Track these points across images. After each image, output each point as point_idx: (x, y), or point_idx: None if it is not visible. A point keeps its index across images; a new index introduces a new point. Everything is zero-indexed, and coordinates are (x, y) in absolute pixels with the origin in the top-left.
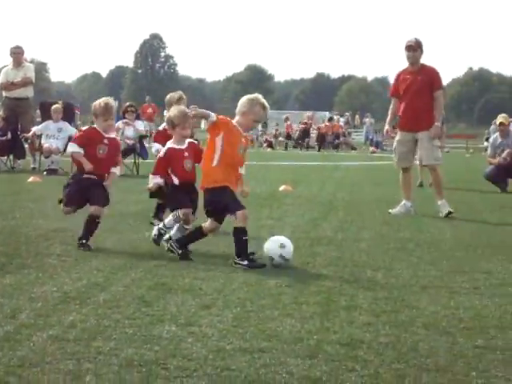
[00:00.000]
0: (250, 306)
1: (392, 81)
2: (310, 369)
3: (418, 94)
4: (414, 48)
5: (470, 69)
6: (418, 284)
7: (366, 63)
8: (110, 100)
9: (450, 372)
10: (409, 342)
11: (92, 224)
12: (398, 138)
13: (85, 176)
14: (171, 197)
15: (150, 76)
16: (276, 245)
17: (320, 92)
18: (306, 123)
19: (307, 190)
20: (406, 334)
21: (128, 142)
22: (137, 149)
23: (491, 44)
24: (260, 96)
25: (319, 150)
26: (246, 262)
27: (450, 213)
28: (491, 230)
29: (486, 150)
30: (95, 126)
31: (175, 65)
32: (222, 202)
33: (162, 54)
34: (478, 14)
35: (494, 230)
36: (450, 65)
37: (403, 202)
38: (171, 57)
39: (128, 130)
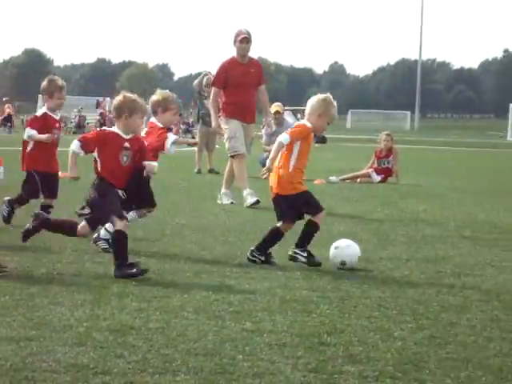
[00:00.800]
0: (18, 294)
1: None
2: (77, 356)
3: (251, 86)
4: (248, 40)
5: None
6: (190, 269)
7: (147, 49)
8: None
9: (217, 355)
10: (178, 326)
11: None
12: (230, 125)
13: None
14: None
15: None
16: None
17: (101, 77)
18: (102, 113)
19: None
20: (176, 319)
21: None
22: None
23: (268, 34)
24: (330, 95)
25: None
26: (263, 258)
27: (257, 202)
28: (266, 215)
29: (262, 137)
30: None
31: None
32: (301, 208)
33: None
34: (255, 5)
35: (268, 215)
36: (228, 54)
37: (247, 191)
38: None
39: None
